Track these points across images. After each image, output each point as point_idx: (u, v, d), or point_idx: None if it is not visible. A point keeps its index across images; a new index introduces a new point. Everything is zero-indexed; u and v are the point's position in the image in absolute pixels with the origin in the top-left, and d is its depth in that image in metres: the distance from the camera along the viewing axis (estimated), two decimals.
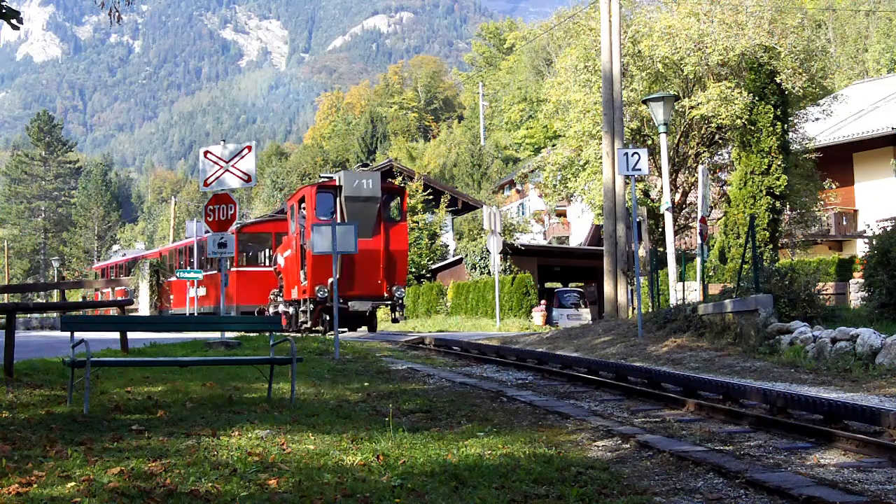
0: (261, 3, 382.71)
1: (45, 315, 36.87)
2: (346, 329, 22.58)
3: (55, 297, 55.33)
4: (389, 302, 21.15)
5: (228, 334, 17.02)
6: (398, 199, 22.21)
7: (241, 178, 15.29)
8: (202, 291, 30.07)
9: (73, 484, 4.86)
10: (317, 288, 19.86)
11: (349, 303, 20.23)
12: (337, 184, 20.48)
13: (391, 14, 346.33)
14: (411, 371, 12.40)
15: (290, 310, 22.47)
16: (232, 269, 26.38)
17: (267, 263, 28.85)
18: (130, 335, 14.30)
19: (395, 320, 22.23)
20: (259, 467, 5.39)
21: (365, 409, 8.25)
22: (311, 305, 20.35)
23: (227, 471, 5.27)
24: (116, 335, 13.72)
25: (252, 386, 9.74)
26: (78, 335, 8.17)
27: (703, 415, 8.10)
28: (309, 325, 20.80)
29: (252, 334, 18.28)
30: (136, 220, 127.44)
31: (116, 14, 11.11)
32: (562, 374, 11.56)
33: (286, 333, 21.82)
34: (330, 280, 17.83)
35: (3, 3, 7.24)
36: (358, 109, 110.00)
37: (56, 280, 69.63)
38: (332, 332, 19.16)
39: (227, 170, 15.24)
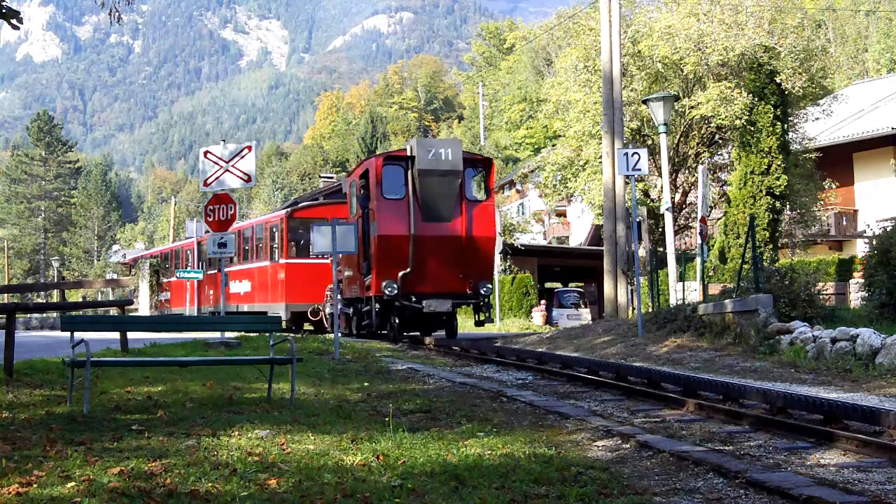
0: (261, 3, 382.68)
1: (45, 315, 36.88)
2: (416, 333, 19.07)
3: (55, 297, 55.36)
4: (473, 300, 17.53)
5: (228, 334, 17.03)
6: (483, 172, 18.17)
7: (241, 178, 15.29)
8: (246, 287, 26.89)
9: (73, 484, 4.86)
10: (384, 284, 16.41)
11: (423, 301, 16.70)
12: (408, 154, 16.92)
13: (391, 14, 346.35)
14: (411, 371, 12.39)
15: (350, 310, 19.42)
16: (281, 261, 23.70)
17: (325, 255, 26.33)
18: (130, 335, 14.31)
19: (479, 322, 18.12)
20: (259, 467, 5.39)
21: (365, 409, 8.25)
22: (378, 305, 17.03)
23: (227, 471, 5.27)
24: (116, 335, 13.73)
25: (252, 386, 9.74)
26: (78, 335, 8.17)
27: (703, 415, 8.09)
28: (374, 328, 17.66)
29: (252, 334, 18.29)
30: (136, 220, 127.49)
31: (116, 14, 11.11)
32: (562, 374, 11.56)
33: (334, 336, 19.31)
34: (401, 273, 15.96)
35: (3, 3, 7.24)
36: (358, 109, 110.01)
37: (56, 280, 69.65)
38: (404, 342, 17.53)
39: (227, 170, 15.24)
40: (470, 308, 19.12)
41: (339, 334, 18.83)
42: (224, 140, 17.04)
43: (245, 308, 26.56)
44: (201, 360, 10.49)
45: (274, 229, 24.65)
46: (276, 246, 24.30)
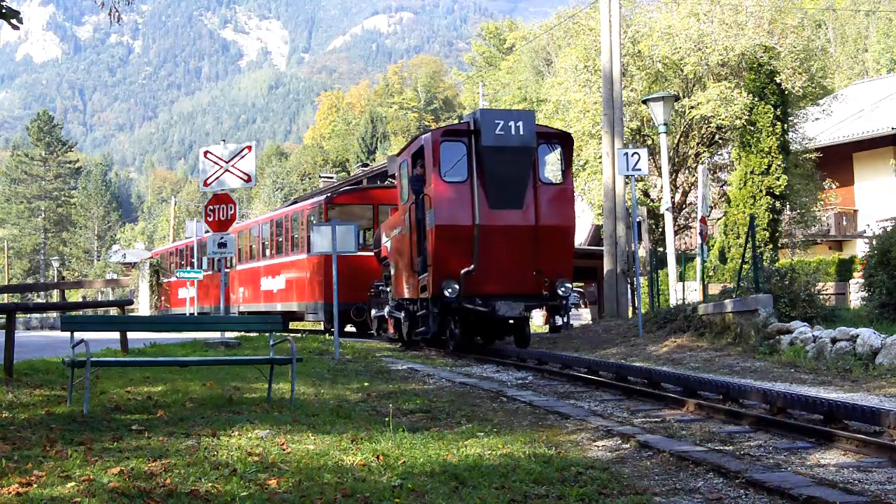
0: (261, 3, 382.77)
1: (45, 315, 36.93)
2: (478, 340, 16.19)
3: (55, 297, 55.40)
4: (549, 302, 14.47)
5: (228, 334, 17.03)
6: (559, 149, 14.89)
7: (241, 178, 15.31)
8: (279, 283, 24.12)
9: (73, 484, 4.86)
10: (442, 283, 13.50)
11: (494, 304, 13.62)
12: (470, 128, 13.93)
13: (391, 14, 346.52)
14: (411, 371, 12.40)
15: (401, 313, 16.00)
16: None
17: (366, 246, 21.94)
18: (130, 335, 14.32)
19: (555, 328, 14.97)
20: (259, 467, 5.39)
21: (365, 409, 8.25)
22: (435, 308, 13.99)
23: (227, 471, 5.27)
24: (116, 335, 13.73)
25: (252, 386, 9.74)
26: (78, 335, 8.17)
27: (703, 415, 8.09)
28: (430, 334, 14.49)
29: (252, 334, 18.29)
30: (136, 220, 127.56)
31: (116, 14, 11.11)
32: (562, 374, 11.56)
33: (382, 343, 17.58)
34: (464, 271, 13.31)
35: (3, 3, 7.24)
36: (358, 109, 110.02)
37: (56, 280, 69.67)
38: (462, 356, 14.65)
39: (227, 170, 15.25)
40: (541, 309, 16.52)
41: (389, 342, 17.10)
42: (224, 140, 17.05)
43: (279, 307, 23.67)
44: (201, 360, 10.49)
45: (311, 217, 21.93)
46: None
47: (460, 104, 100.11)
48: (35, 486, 4.80)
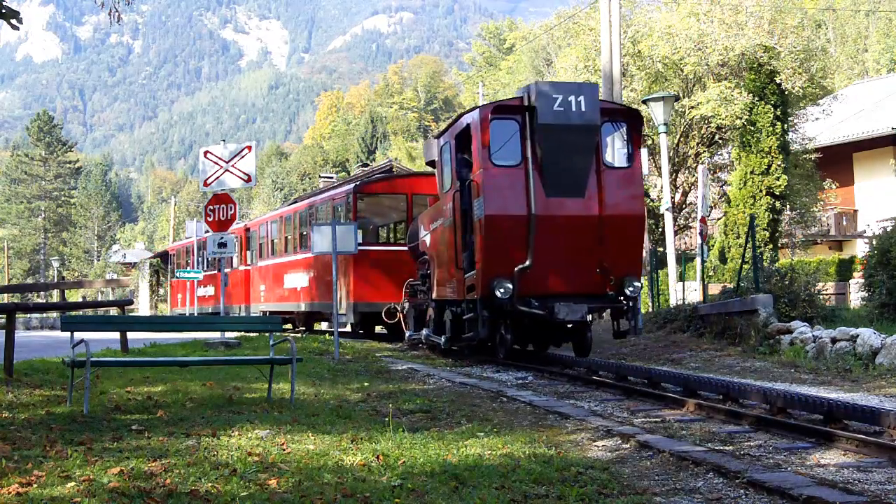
0: (261, 3, 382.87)
1: (45, 315, 36.94)
2: (528, 346, 14.47)
3: (55, 297, 55.42)
4: (615, 304, 12.50)
5: (228, 334, 17.04)
6: (624, 128, 12.84)
7: (241, 178, 15.32)
8: (301, 281, 22.05)
9: (73, 484, 4.86)
10: (494, 282, 11.68)
11: (553, 306, 11.80)
12: (524, 103, 12.01)
13: (391, 14, 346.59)
14: (411, 371, 12.40)
15: (447, 315, 13.80)
16: None
17: (398, 240, 20.49)
18: (130, 335, 14.33)
19: (620, 333, 12.92)
20: (259, 467, 5.39)
21: (365, 409, 8.25)
22: (485, 312, 12.07)
23: (227, 471, 5.27)
24: (116, 335, 13.74)
25: (252, 386, 9.75)
26: (78, 335, 8.17)
27: (703, 415, 8.10)
28: (477, 340, 12.62)
29: (252, 334, 18.30)
30: (136, 220, 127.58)
31: (116, 14, 11.12)
32: (562, 374, 11.56)
33: (411, 350, 16.18)
34: (518, 268, 11.61)
35: (3, 3, 7.24)
36: (358, 109, 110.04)
37: (56, 280, 69.68)
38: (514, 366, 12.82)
39: (227, 170, 15.26)
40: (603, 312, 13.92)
41: (427, 351, 15.57)
42: (224, 140, 17.06)
43: (303, 307, 21.82)
44: (201, 360, 10.50)
45: (338, 208, 19.75)
46: None
47: (460, 104, 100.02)
48: (35, 486, 4.81)
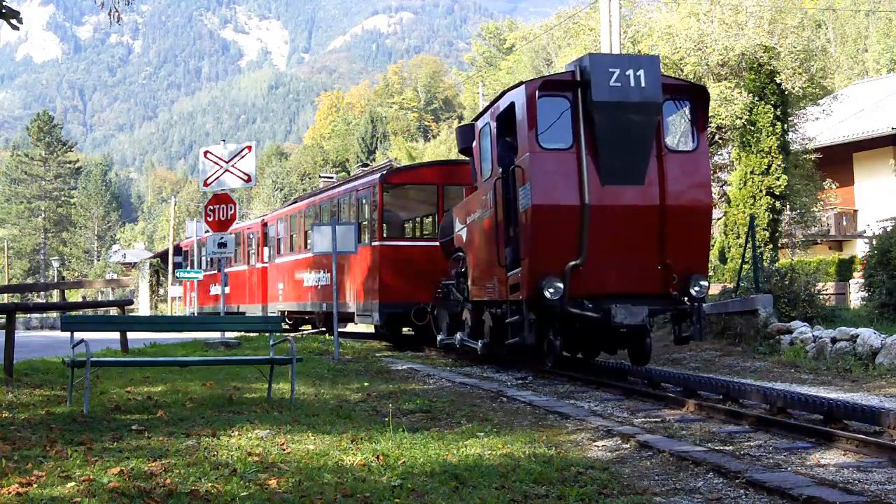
0: (261, 3, 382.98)
1: (45, 315, 36.95)
2: (572, 352, 13.00)
3: (55, 297, 55.43)
4: (678, 306, 10.94)
5: (228, 334, 17.04)
6: (688, 106, 11.49)
7: (241, 178, 15.33)
8: (322, 279, 20.19)
9: (73, 484, 4.86)
10: (542, 281, 10.34)
11: (609, 308, 10.36)
12: (576, 78, 10.66)
13: (391, 14, 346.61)
14: (411, 371, 12.40)
15: (487, 317, 12.50)
16: (374, 244, 16.96)
17: (428, 235, 19.01)
18: (130, 335, 14.33)
19: (681, 338, 11.25)
20: (259, 467, 5.40)
21: (365, 409, 8.25)
22: (532, 314, 10.63)
23: (227, 471, 5.27)
24: (116, 335, 13.75)
25: (252, 386, 9.75)
26: (78, 335, 8.18)
27: (703, 415, 8.10)
28: (527, 345, 10.99)
29: (252, 334, 18.30)
30: (136, 220, 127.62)
31: (116, 14, 11.12)
32: (562, 374, 11.55)
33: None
34: (570, 265, 10.31)
35: (3, 3, 7.25)
36: (358, 109, 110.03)
37: (56, 280, 69.68)
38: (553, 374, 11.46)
39: (227, 170, 15.27)
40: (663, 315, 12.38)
41: (449, 351, 14.78)
42: (224, 140, 17.07)
43: (325, 307, 20.10)
44: (201, 360, 10.50)
45: (362, 200, 18.15)
46: (364, 223, 17.80)
47: (460, 104, 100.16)
48: (35, 486, 4.81)
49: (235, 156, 15.28)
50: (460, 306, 13.61)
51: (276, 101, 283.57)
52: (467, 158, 13.55)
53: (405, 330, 18.41)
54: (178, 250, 42.74)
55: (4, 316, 11.60)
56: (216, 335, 16.71)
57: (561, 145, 10.64)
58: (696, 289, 10.70)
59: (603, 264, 10.62)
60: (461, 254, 13.52)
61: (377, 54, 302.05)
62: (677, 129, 11.84)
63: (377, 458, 5.73)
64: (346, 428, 6.95)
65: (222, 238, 15.58)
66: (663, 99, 10.85)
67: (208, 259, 29.67)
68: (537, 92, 10.67)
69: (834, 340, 11.95)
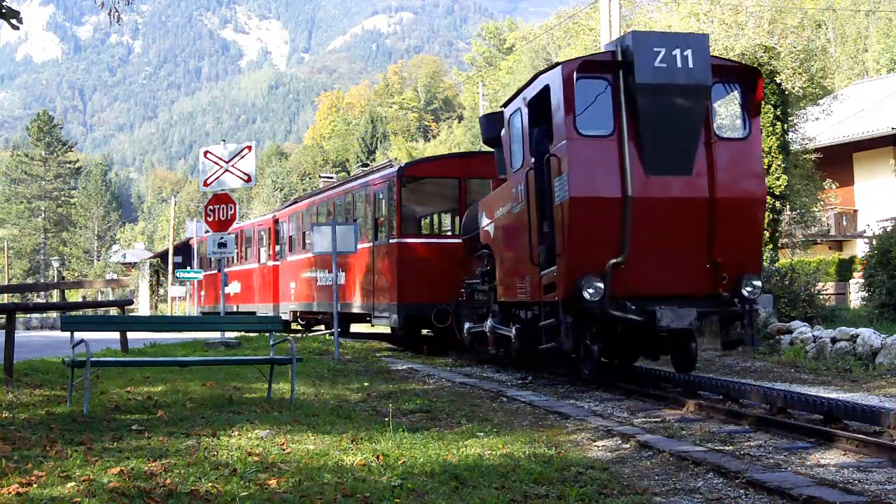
0: (261, 3, 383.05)
1: (45, 315, 36.96)
2: (610, 358, 11.90)
3: (55, 297, 55.43)
4: (728, 308, 9.95)
5: (228, 334, 17.04)
6: (738, 89, 10.58)
7: (241, 178, 15.34)
8: (339, 279, 17.53)
9: (73, 484, 4.86)
10: (581, 280, 9.44)
11: (653, 310, 9.47)
12: (617, 58, 9.81)
13: (391, 14, 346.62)
14: (411, 371, 12.40)
15: (514, 321, 11.53)
16: (392, 241, 16.11)
17: (448, 231, 18.33)
18: (130, 335, 14.33)
19: (731, 342, 10.32)
20: (259, 467, 5.40)
21: (365, 409, 8.25)
22: (569, 317, 9.67)
23: (227, 471, 5.27)
24: (116, 335, 13.75)
25: (252, 386, 9.75)
26: (78, 335, 8.18)
27: (703, 415, 8.10)
28: (564, 351, 9.79)
29: (252, 334, 18.30)
30: (136, 220, 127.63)
31: (116, 14, 11.12)
32: (562, 374, 11.55)
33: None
34: (611, 263, 9.53)
35: (3, 3, 7.25)
36: (358, 109, 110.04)
37: (56, 280, 69.69)
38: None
39: (227, 170, 15.28)
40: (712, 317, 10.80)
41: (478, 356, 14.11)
42: (224, 140, 17.07)
43: (340, 308, 18.15)
44: (201, 360, 10.50)
45: (379, 195, 17.17)
46: (382, 218, 16.97)
47: (460, 104, 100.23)
48: (35, 486, 4.81)
49: (235, 156, 15.29)
50: (486, 307, 12.79)
51: (276, 101, 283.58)
52: (491, 149, 12.78)
53: (420, 333, 17.52)
54: (185, 248, 42.48)
55: (4, 316, 11.60)
56: (216, 335, 16.71)
57: (601, 132, 9.80)
58: (749, 289, 9.87)
59: (646, 262, 9.82)
60: (487, 251, 12.63)
61: (377, 54, 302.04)
62: (727, 115, 11.14)
63: (377, 458, 5.73)
64: (346, 428, 6.95)
65: (222, 238, 15.58)
66: (714, 82, 10.02)
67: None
68: (575, 73, 9.73)
69: (834, 340, 11.95)
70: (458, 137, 75.29)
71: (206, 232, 20.25)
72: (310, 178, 79.35)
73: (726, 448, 6.48)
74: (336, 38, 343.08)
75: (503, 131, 11.78)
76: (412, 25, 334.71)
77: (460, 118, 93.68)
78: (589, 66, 9.92)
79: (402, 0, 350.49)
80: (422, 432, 6.81)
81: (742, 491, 5.12)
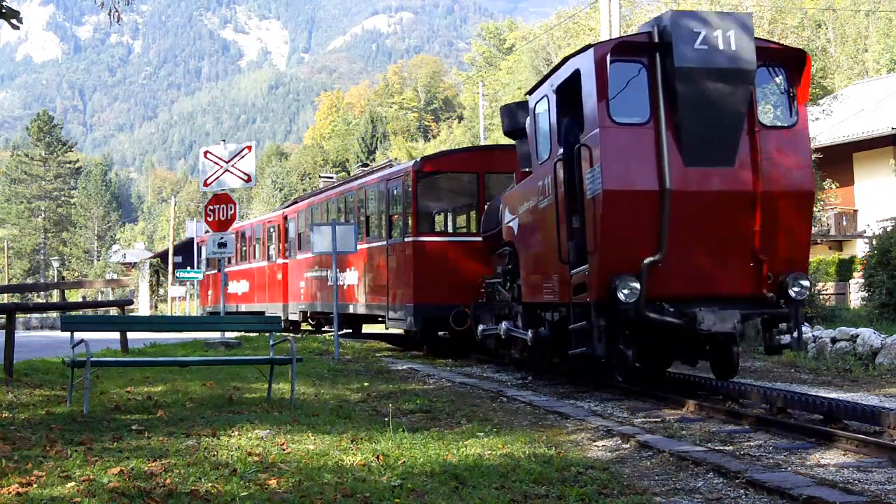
0: (261, 3, 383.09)
1: (45, 315, 36.96)
2: (645, 364, 10.60)
3: (55, 297, 55.43)
4: (777, 309, 9.18)
5: (228, 334, 17.05)
6: (784, 74, 9.77)
7: (241, 178, 15.34)
8: (351, 279, 18.35)
9: (73, 484, 4.86)
10: (616, 280, 8.75)
11: (693, 312, 8.76)
12: (653, 40, 9.09)
13: (391, 14, 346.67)
14: (411, 371, 12.40)
15: (543, 324, 10.67)
16: (407, 239, 15.34)
17: (464, 229, 17.59)
18: (130, 335, 14.33)
19: (774, 347, 9.45)
20: (259, 467, 5.40)
21: (365, 409, 8.25)
22: (602, 320, 8.98)
23: (227, 471, 5.27)
24: (116, 335, 13.75)
25: (252, 386, 9.75)
26: (78, 335, 8.18)
27: (703, 415, 8.10)
28: (596, 356, 9.19)
29: (252, 334, 18.30)
30: (136, 220, 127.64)
31: (116, 14, 11.12)
32: (562, 373, 11.55)
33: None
34: (647, 261, 8.83)
35: (3, 3, 7.25)
36: (358, 109, 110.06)
37: (56, 280, 69.69)
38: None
39: (227, 170, 15.28)
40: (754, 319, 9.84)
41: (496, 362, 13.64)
42: (224, 140, 17.07)
43: (349, 308, 18.66)
44: (201, 360, 10.51)
45: (394, 190, 16.35)
46: (397, 215, 16.28)
47: (460, 104, 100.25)
48: (35, 486, 4.81)
49: (235, 156, 15.29)
50: (508, 308, 12.07)
51: (276, 101, 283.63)
52: (512, 143, 12.17)
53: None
54: (185, 248, 42.31)
55: (4, 316, 11.60)
56: (216, 335, 16.71)
57: (636, 119, 9.12)
58: (796, 289, 9.10)
59: (686, 261, 9.14)
60: (508, 248, 11.90)
61: (377, 54, 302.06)
62: (773, 101, 10.38)
63: (377, 458, 5.73)
64: (346, 428, 6.95)
65: (222, 238, 15.58)
66: (759, 65, 9.25)
67: (241, 252, 27.88)
68: (608, 56, 8.98)
69: (834, 340, 11.95)
70: (458, 137, 75.30)
71: (206, 232, 20.21)
72: (310, 178, 79.38)
73: (726, 448, 6.48)
74: (336, 38, 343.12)
75: (528, 121, 11.12)
76: (412, 25, 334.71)
77: (460, 118, 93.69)
78: (623, 49, 9.20)
79: (402, 0, 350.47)
80: (422, 432, 6.81)
81: (742, 491, 5.12)
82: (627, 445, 6.59)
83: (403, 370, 12.53)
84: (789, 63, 9.67)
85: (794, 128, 9.50)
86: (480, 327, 12.71)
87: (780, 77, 9.80)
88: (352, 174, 46.28)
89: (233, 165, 15.24)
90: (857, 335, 11.63)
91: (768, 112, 10.00)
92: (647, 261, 8.83)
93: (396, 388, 10.10)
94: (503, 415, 8.20)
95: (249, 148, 15.47)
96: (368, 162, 66.53)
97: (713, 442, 6.76)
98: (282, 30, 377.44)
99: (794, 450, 6.43)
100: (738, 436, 7.06)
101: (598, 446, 6.68)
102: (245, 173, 15.29)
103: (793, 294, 9.03)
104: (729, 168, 9.09)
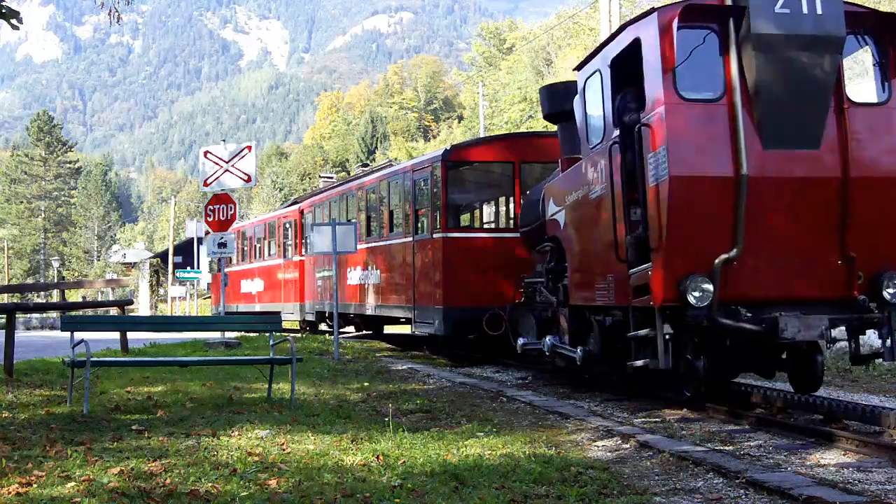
0: (261, 3, 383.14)
1: (45, 315, 36.95)
2: (719, 377, 8.92)
3: (55, 297, 55.43)
4: (868, 314, 7.95)
5: (229, 334, 17.05)
6: (874, 44, 8.50)
7: (241, 178, 15.34)
8: (373, 278, 17.00)
9: (73, 484, 4.86)
10: (686, 280, 7.57)
11: (775, 318, 7.56)
12: (726, 3, 7.83)
13: (391, 14, 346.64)
14: (411, 371, 12.40)
15: (593, 329, 9.42)
16: (436, 236, 13.88)
17: (496, 224, 16.23)
18: (130, 335, 14.34)
19: (862, 357, 8.27)
20: (259, 467, 5.40)
21: (365, 409, 8.25)
22: (668, 327, 7.76)
23: (227, 471, 5.28)
24: (116, 335, 13.75)
25: (252, 386, 9.75)
26: (78, 335, 8.18)
27: (703, 415, 8.10)
28: (656, 368, 7.88)
29: (252, 334, 18.31)
30: (136, 220, 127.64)
31: (116, 14, 11.13)
32: (562, 373, 11.55)
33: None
34: (719, 259, 7.57)
35: (3, 3, 7.25)
36: (358, 109, 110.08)
37: (56, 280, 69.70)
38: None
39: (227, 170, 15.29)
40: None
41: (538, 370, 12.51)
42: (224, 140, 17.08)
43: (368, 311, 17.31)
44: (201, 360, 10.51)
45: (421, 182, 14.83)
46: (423, 209, 14.72)
47: (460, 104, 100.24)
48: (35, 486, 4.81)
49: (235, 156, 15.30)
50: (552, 311, 10.75)
51: (276, 101, 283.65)
52: (553, 128, 11.20)
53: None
54: (186, 248, 42.17)
55: (4, 316, 11.60)
56: (216, 335, 16.71)
57: (708, 95, 7.91)
58: (891, 290, 7.94)
59: (764, 258, 7.91)
60: (552, 244, 10.68)
61: (377, 54, 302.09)
62: (861, 74, 9.31)
63: (377, 458, 5.73)
64: (346, 428, 6.95)
65: (222, 238, 15.58)
66: (848, 33, 7.96)
67: (260, 249, 26.48)
68: (675, 22, 7.76)
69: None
70: (458, 137, 75.28)
71: (206, 232, 20.18)
72: (310, 178, 79.41)
73: (726, 448, 6.49)
74: (336, 38, 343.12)
75: (576, 100, 9.87)
76: (412, 25, 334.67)
77: (460, 118, 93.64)
78: (693, 13, 7.93)
79: (402, 0, 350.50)
80: (422, 432, 6.81)
81: (742, 491, 5.12)
82: (627, 445, 6.59)
83: (403, 370, 12.53)
84: (882, 30, 8.41)
85: (887, 104, 8.30)
86: (521, 340, 11.37)
87: (872, 46, 8.57)
88: (352, 174, 46.01)
89: (233, 165, 15.25)
90: None
91: (858, 86, 8.83)
92: (720, 258, 7.62)
93: (396, 388, 10.10)
94: (503, 415, 8.20)
95: (249, 148, 15.48)
96: (368, 162, 66.54)
97: (713, 442, 6.76)
98: (282, 30, 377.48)
99: (794, 450, 6.43)
100: (739, 436, 7.06)
101: (598, 446, 6.68)
102: (245, 173, 15.29)
103: (888, 296, 7.92)
104: (814, 151, 7.89)
